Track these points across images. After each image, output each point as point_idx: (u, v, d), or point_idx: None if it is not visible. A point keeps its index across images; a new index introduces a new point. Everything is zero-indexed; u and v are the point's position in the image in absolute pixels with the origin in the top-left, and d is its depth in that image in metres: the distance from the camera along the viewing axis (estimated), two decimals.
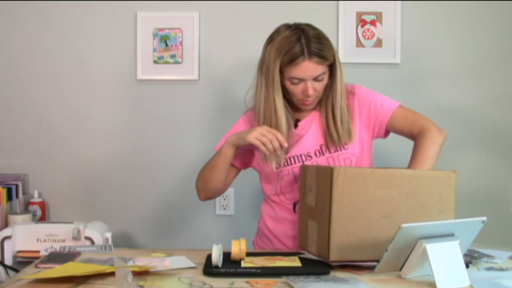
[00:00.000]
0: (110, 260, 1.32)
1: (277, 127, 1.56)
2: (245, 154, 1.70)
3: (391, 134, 1.66)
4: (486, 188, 2.32)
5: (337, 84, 1.57)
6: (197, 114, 2.35)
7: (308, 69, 1.50)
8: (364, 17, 2.29)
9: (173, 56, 2.32)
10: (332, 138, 1.58)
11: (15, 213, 2.20)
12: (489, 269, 1.32)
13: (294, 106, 1.62)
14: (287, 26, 1.55)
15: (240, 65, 2.31)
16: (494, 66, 2.30)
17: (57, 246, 1.54)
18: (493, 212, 2.29)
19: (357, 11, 2.29)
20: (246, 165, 1.73)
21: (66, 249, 1.49)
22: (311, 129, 1.63)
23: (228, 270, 1.24)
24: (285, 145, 1.52)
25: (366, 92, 1.64)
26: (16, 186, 2.28)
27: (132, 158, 2.37)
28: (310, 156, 1.61)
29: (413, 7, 2.29)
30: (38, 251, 1.65)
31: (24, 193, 2.32)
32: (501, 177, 2.32)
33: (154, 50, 2.32)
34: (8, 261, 1.93)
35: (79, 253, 1.44)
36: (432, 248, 1.16)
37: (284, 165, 1.61)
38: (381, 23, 2.28)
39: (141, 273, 1.23)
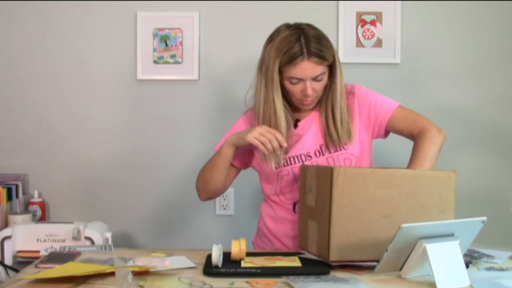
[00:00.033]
0: (110, 260, 1.32)
1: (276, 127, 1.56)
2: (245, 154, 1.69)
3: (391, 134, 1.66)
4: (486, 188, 2.32)
5: (337, 84, 1.57)
6: (197, 114, 2.35)
7: (307, 69, 1.50)
8: (364, 17, 2.28)
9: (173, 56, 2.32)
10: (332, 138, 1.58)
11: (15, 213, 2.20)
12: (489, 269, 1.32)
13: (294, 106, 1.62)
14: (287, 26, 1.55)
15: (240, 65, 2.31)
16: (494, 66, 2.30)
17: (57, 246, 1.54)
18: (493, 212, 2.29)
19: (357, 11, 2.28)
20: (246, 165, 1.73)
21: (66, 249, 1.49)
22: (311, 129, 1.63)
23: (228, 270, 1.24)
24: (285, 145, 1.52)
25: (366, 92, 1.64)
26: (16, 186, 2.28)
27: (132, 158, 2.37)
28: (310, 156, 1.61)
29: (413, 7, 2.29)
30: (38, 251, 1.65)
31: (24, 193, 2.32)
32: (501, 177, 2.32)
33: (154, 50, 2.32)
34: (8, 261, 1.93)
35: (79, 253, 1.44)
36: (432, 248, 1.16)
37: (284, 165, 1.61)
38: (381, 23, 2.28)
39: (141, 273, 1.23)
